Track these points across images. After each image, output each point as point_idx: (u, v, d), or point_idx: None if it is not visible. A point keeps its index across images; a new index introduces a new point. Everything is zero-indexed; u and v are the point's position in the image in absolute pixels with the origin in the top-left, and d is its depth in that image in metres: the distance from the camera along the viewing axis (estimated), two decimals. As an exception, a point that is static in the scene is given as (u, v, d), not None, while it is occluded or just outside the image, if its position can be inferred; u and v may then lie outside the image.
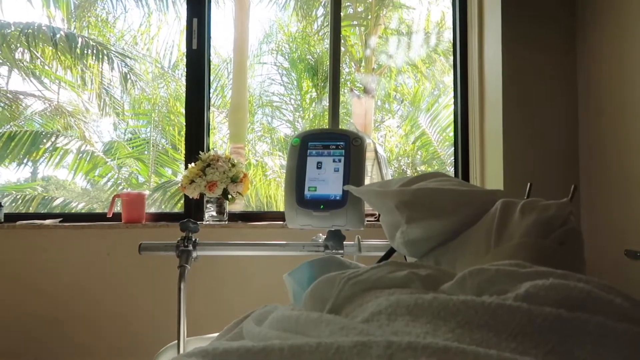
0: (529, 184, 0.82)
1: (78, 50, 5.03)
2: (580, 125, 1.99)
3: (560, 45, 2.02)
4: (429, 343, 0.39)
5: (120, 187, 5.91)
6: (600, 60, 1.89)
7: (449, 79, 5.86)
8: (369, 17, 5.81)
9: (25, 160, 5.22)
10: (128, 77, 5.42)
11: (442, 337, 0.42)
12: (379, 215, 1.32)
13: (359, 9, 5.86)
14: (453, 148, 2.42)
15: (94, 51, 5.17)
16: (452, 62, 2.43)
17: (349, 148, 1.30)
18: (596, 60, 1.91)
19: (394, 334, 0.45)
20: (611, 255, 1.75)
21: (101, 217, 2.17)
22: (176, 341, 1.22)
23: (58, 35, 4.93)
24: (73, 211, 5.73)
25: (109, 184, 6.07)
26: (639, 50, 1.65)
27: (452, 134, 2.44)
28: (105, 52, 5.25)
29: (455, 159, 2.38)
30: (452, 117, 2.45)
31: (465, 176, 2.28)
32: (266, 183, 5.98)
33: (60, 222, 2.15)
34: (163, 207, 5.54)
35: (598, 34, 1.89)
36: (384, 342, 0.40)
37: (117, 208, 2.19)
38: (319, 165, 1.31)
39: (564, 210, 0.64)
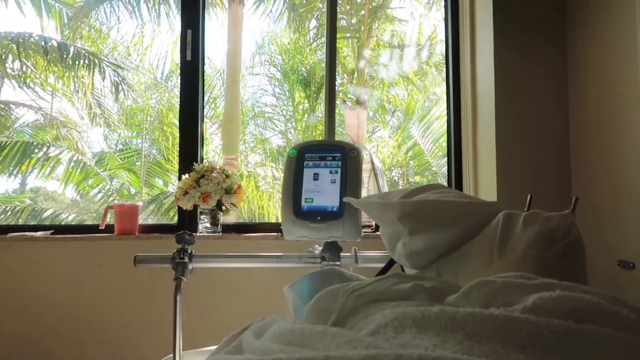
0: (529, 196, 0.83)
1: (69, 60, 5.02)
2: (571, 136, 2.02)
3: (551, 56, 2.05)
4: (439, 356, 0.39)
5: (111, 199, 5.87)
6: (590, 71, 1.91)
7: (440, 90, 5.91)
8: (362, 29, 5.87)
9: (14, 172, 5.17)
10: (120, 87, 5.41)
11: (450, 350, 0.42)
12: (376, 226, 1.32)
13: (353, 21, 5.92)
14: (445, 159, 2.43)
15: (86, 61, 5.16)
16: (444, 74, 2.46)
17: (346, 159, 1.30)
18: (587, 71, 1.94)
19: (402, 347, 0.45)
20: (604, 265, 1.76)
21: (93, 228, 2.15)
22: (172, 355, 1.20)
23: (49, 44, 4.92)
24: (63, 223, 5.68)
25: (99, 195, 6.03)
26: (627, 60, 1.68)
27: (444, 144, 2.45)
28: (96, 61, 5.23)
29: (448, 169, 2.39)
30: (444, 127, 2.47)
31: (459, 187, 2.29)
32: (258, 194, 5.96)
33: (51, 234, 2.12)
34: (158, 219, 5.51)
35: (588, 44, 1.92)
36: (393, 355, 0.40)
37: (110, 219, 2.17)
38: (315, 177, 1.30)
39: (566, 221, 0.65)
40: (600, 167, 1.85)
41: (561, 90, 2.04)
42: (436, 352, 0.41)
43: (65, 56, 4.99)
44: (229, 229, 2.20)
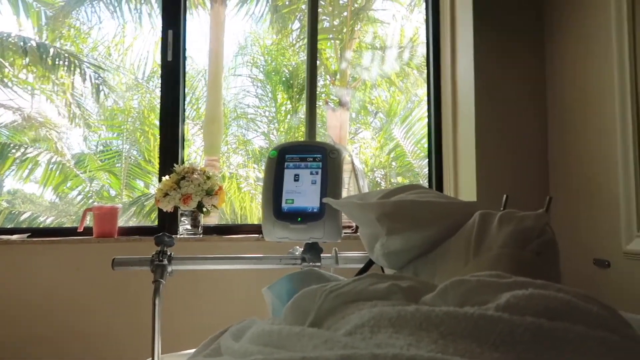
0: (505, 196, 0.84)
1: (49, 61, 4.93)
2: (549, 139, 2.05)
3: (530, 59, 2.08)
4: (414, 355, 0.39)
5: (90, 201, 5.78)
6: (567, 74, 1.95)
7: (422, 92, 5.96)
8: (344, 31, 5.89)
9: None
10: (101, 88, 5.34)
11: (425, 349, 0.42)
12: (357, 227, 1.32)
13: (335, 22, 5.93)
14: (427, 160, 2.45)
15: (66, 62, 5.08)
16: (425, 76, 2.48)
17: (326, 160, 1.30)
18: (564, 73, 1.97)
19: (378, 347, 0.45)
20: (580, 264, 1.79)
21: (71, 231, 2.11)
22: (150, 358, 1.19)
23: (28, 45, 4.83)
24: (41, 225, 5.57)
25: (79, 197, 5.93)
26: (602, 63, 1.71)
27: (426, 145, 2.47)
28: (77, 62, 5.15)
29: (429, 170, 2.41)
30: (426, 129, 2.50)
31: (440, 187, 2.31)
32: (241, 196, 5.93)
33: (28, 237, 2.08)
34: (140, 221, 5.43)
35: (565, 48, 1.96)
36: (368, 355, 0.40)
37: (88, 222, 2.14)
38: (296, 178, 1.30)
39: (540, 221, 0.66)
40: (577, 167, 1.88)
41: (539, 91, 2.07)
42: (411, 351, 0.41)
43: (44, 57, 4.91)
44: (210, 230, 2.18)
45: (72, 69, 5.12)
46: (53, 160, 5.38)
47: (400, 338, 0.45)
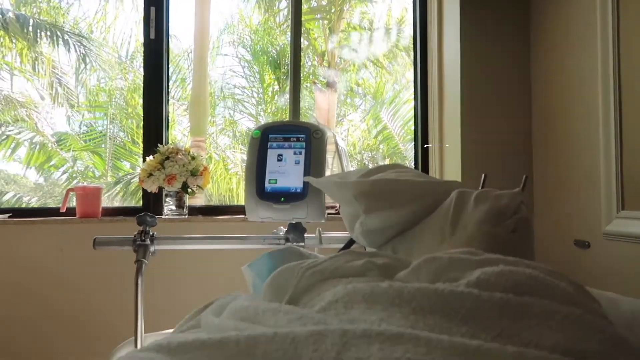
0: (483, 175, 0.85)
1: (30, 34, 4.81)
2: (533, 122, 2.06)
3: (515, 43, 2.08)
4: (383, 330, 0.40)
5: (75, 181, 5.71)
6: (552, 57, 1.95)
7: (410, 74, 5.93)
8: (333, 10, 5.82)
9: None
10: (87, 59, 5.22)
11: (396, 324, 0.43)
12: (340, 207, 1.33)
13: (323, 2, 5.86)
14: (413, 142, 2.46)
15: (48, 33, 4.96)
16: (412, 58, 2.47)
17: (310, 140, 1.30)
18: (548, 56, 1.98)
19: (350, 322, 0.45)
20: (560, 244, 1.82)
21: (54, 212, 2.09)
22: (133, 337, 1.19)
23: (7, 16, 4.71)
24: (24, 206, 5.50)
25: (64, 177, 5.85)
26: (585, 48, 1.72)
27: (413, 128, 2.48)
28: (60, 34, 5.03)
29: (415, 152, 2.42)
30: (413, 111, 2.50)
31: (425, 169, 2.32)
32: (227, 177, 5.91)
33: (9, 217, 2.05)
34: (126, 202, 5.37)
35: (550, 31, 1.96)
36: (339, 331, 0.40)
37: (72, 203, 2.12)
38: (279, 158, 1.30)
39: (515, 199, 0.67)
40: (559, 150, 1.90)
41: (525, 74, 2.08)
42: (382, 327, 0.42)
43: (25, 29, 4.79)
44: (196, 211, 2.18)
45: (55, 40, 5.00)
46: (35, 140, 5.30)
47: (373, 314, 0.45)
